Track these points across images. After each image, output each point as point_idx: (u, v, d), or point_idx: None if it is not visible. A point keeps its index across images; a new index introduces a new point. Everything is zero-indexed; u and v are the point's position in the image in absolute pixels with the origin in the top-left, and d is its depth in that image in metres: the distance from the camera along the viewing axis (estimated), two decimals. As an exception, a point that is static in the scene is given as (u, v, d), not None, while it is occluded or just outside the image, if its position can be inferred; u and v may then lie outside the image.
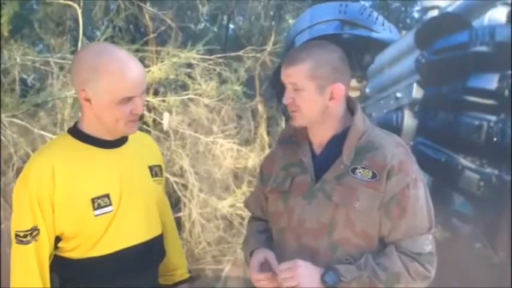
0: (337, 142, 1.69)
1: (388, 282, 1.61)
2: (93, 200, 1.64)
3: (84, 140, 1.70)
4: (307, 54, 1.67)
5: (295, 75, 1.66)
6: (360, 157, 1.66)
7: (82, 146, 1.69)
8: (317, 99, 1.66)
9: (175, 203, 4.38)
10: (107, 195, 1.67)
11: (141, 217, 1.76)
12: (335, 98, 1.67)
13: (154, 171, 1.84)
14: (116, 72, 1.60)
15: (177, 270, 2.00)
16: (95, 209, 1.64)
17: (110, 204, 1.67)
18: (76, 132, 1.72)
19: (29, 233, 1.61)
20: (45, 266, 1.66)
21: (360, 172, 1.64)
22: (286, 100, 1.69)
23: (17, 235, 1.62)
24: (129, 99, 1.62)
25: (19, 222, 1.63)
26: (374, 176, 1.63)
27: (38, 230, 1.62)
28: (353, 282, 1.60)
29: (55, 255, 1.69)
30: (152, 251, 1.81)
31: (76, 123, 1.75)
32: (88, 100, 1.64)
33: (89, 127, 1.71)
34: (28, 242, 1.62)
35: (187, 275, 2.03)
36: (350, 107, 1.75)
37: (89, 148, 1.69)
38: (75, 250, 1.67)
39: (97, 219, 1.65)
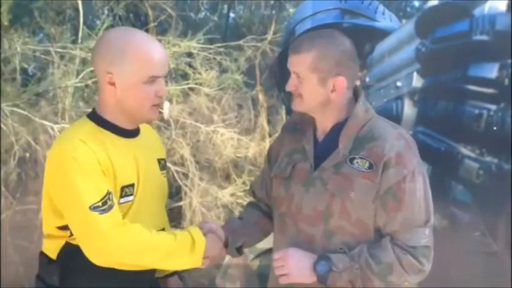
0: (338, 130, 1.70)
1: (381, 273, 1.62)
2: (122, 188, 1.65)
3: (106, 127, 1.69)
4: (312, 44, 1.67)
5: (298, 64, 1.67)
6: (359, 147, 1.67)
7: (104, 132, 1.69)
8: (318, 90, 1.68)
9: (176, 192, 4.39)
10: (133, 185, 1.68)
11: (153, 209, 1.78)
12: (336, 90, 1.68)
13: (162, 164, 1.86)
14: (144, 52, 1.64)
15: None
16: (121, 197, 1.65)
17: (132, 194, 1.68)
18: (97, 119, 1.71)
19: (106, 199, 1.58)
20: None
21: (357, 162, 1.65)
22: (289, 87, 1.70)
23: (95, 207, 1.56)
24: (154, 79, 1.65)
25: (91, 195, 1.57)
26: (371, 166, 1.63)
27: (110, 192, 1.60)
28: (344, 273, 1.61)
29: (66, 243, 1.67)
30: None
31: (94, 109, 1.74)
32: (112, 84, 1.65)
33: (109, 114, 1.70)
34: (110, 208, 1.58)
35: None
36: (355, 96, 1.76)
37: (111, 135, 1.69)
38: None
39: (119, 207, 1.64)
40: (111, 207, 1.58)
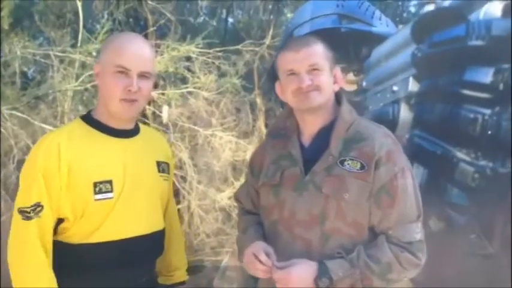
0: (325, 133, 1.72)
1: (381, 273, 1.64)
2: (95, 184, 1.68)
3: (93, 126, 1.75)
4: (314, 38, 1.74)
5: (314, 55, 1.70)
6: (348, 148, 1.69)
7: (91, 131, 1.74)
8: (330, 80, 1.73)
9: (175, 195, 4.41)
10: (110, 182, 1.70)
11: (144, 209, 1.78)
12: (337, 82, 1.74)
13: (162, 167, 1.87)
14: (118, 44, 1.73)
15: (177, 271, 2.03)
16: (95, 193, 1.67)
17: (111, 191, 1.70)
18: (87, 118, 1.78)
19: (32, 208, 1.63)
20: (49, 243, 1.67)
21: (348, 164, 1.67)
22: (305, 82, 1.68)
23: (22, 211, 1.64)
24: (123, 71, 1.68)
25: (24, 198, 1.66)
26: (362, 167, 1.66)
27: (41, 206, 1.64)
28: (346, 279, 1.62)
29: (54, 240, 1.70)
30: (151, 245, 1.83)
31: (89, 111, 1.82)
32: (98, 75, 1.74)
33: (99, 113, 1.77)
34: (30, 218, 1.63)
35: (186, 277, 2.06)
36: (337, 99, 1.79)
37: (97, 134, 1.74)
38: (76, 235, 1.70)
39: (97, 204, 1.68)
40: (30, 218, 1.63)
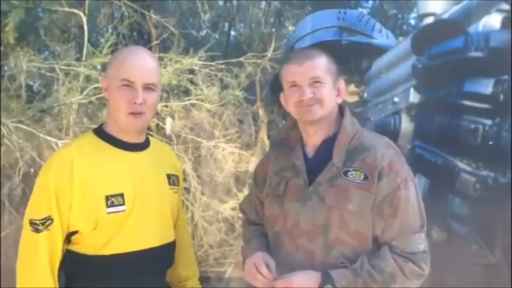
0: (328, 145, 1.73)
1: (384, 283, 1.64)
2: (107, 198, 1.69)
3: (105, 139, 1.77)
4: (318, 51, 1.75)
5: (317, 68, 1.71)
6: (351, 159, 1.70)
7: (102, 144, 1.76)
8: (333, 93, 1.74)
9: (178, 206, 4.42)
10: (121, 195, 1.72)
11: (155, 222, 1.79)
12: (340, 95, 1.76)
13: (172, 180, 1.89)
14: (121, 57, 1.75)
15: (188, 281, 2.03)
16: (108, 207, 1.69)
17: (123, 204, 1.71)
18: (99, 131, 1.80)
19: (42, 221, 1.66)
20: (56, 256, 1.70)
21: (352, 174, 1.67)
22: (306, 95, 1.69)
23: (32, 223, 1.66)
24: (129, 85, 1.70)
25: (35, 210, 1.68)
26: (366, 177, 1.66)
27: (51, 219, 1.67)
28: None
29: (68, 250, 1.73)
30: (162, 257, 1.84)
31: (101, 124, 1.84)
32: (106, 89, 1.76)
33: (109, 126, 1.79)
34: (40, 231, 1.66)
35: (198, 286, 2.06)
36: (340, 111, 1.81)
37: (109, 147, 1.76)
38: (89, 247, 1.72)
39: (109, 217, 1.70)
40: (39, 231, 1.66)
